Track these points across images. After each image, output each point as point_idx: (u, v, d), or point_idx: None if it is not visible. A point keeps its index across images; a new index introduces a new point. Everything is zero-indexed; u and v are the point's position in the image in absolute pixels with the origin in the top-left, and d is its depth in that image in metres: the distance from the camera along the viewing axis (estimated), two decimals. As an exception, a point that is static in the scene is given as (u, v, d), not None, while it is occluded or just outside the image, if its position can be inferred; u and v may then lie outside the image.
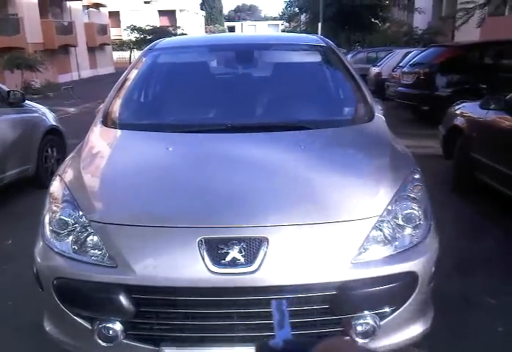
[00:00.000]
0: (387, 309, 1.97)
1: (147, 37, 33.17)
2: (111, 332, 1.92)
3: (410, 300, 2.00)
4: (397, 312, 1.99)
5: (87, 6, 32.15)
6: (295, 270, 1.89)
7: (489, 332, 2.67)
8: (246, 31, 67.87)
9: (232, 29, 70.96)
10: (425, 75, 9.38)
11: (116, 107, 3.14)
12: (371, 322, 1.90)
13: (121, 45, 37.67)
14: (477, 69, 8.97)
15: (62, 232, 2.08)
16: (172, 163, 2.50)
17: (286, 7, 33.58)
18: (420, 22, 22.39)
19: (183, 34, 32.34)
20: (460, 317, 2.79)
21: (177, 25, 40.42)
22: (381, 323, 1.93)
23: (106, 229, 2.00)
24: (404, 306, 1.99)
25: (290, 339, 0.36)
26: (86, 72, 30.06)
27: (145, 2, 47.00)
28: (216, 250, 1.87)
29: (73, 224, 2.06)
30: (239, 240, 1.88)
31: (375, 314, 1.92)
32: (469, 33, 15.74)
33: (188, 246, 1.90)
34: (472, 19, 12.60)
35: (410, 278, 1.98)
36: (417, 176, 2.29)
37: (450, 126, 5.47)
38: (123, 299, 1.86)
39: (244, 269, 1.85)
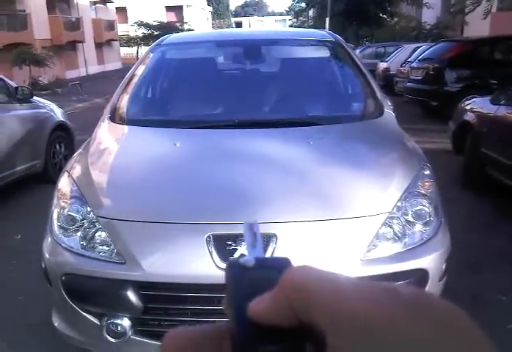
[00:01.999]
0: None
1: (154, 33, 33.13)
2: (119, 328, 1.91)
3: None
4: (408, 309, 1.97)
5: (94, 2, 32.16)
6: (304, 267, 1.88)
7: (499, 329, 2.64)
8: (254, 26, 67.72)
9: (239, 25, 70.82)
10: (434, 70, 9.30)
11: (124, 103, 3.13)
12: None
13: (128, 41, 37.64)
14: (487, 64, 8.87)
15: (70, 227, 2.08)
16: (179, 159, 2.49)
17: (294, 2, 33.40)
18: (429, 17, 22.21)
19: (189, 30, 32.31)
20: (470, 314, 2.76)
21: (184, 20, 40.39)
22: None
23: (114, 225, 1.99)
24: (414, 303, 1.97)
25: (262, 257, 0.35)
26: (94, 68, 30.12)
27: (152, -2, 46.96)
28: (224, 246, 1.86)
29: (81, 220, 2.06)
30: (247, 237, 1.86)
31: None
32: (478, 28, 15.61)
33: (196, 242, 1.89)
34: (480, 12, 12.48)
35: (420, 275, 1.96)
36: (427, 172, 2.26)
37: (460, 122, 5.42)
38: (131, 295, 1.86)
39: (253, 265, 1.83)
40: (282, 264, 0.33)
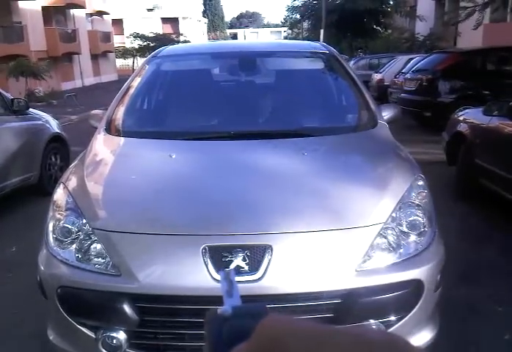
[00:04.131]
0: (393, 318, 1.95)
1: (150, 44, 33.31)
2: (114, 341, 1.90)
3: (416, 308, 1.98)
4: (403, 320, 1.97)
5: (91, 14, 32.32)
6: (300, 278, 1.88)
7: (495, 340, 2.65)
8: (249, 38, 68.18)
9: (235, 36, 71.30)
10: (427, 81, 9.38)
11: (120, 115, 3.14)
12: (376, 330, 1.88)
13: (124, 53, 37.82)
14: (479, 75, 8.97)
15: (66, 240, 2.08)
16: (175, 171, 2.50)
17: (288, 13, 33.59)
18: (422, 28, 22.45)
19: (186, 42, 32.50)
20: (466, 325, 2.76)
21: (180, 32, 40.66)
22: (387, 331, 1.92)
23: (110, 237, 1.99)
24: (410, 314, 1.98)
25: (238, 306, 0.36)
26: (90, 80, 30.19)
27: (148, 10, 47.29)
28: (219, 258, 1.87)
29: (77, 232, 2.06)
30: (243, 248, 1.87)
31: (381, 322, 1.91)
32: (471, 39, 15.79)
33: (192, 254, 1.89)
34: (472, 23, 12.60)
35: (415, 286, 1.96)
36: (420, 183, 2.28)
37: (454, 132, 5.46)
38: (127, 308, 1.85)
39: (248, 277, 1.84)
40: (259, 311, 0.35)
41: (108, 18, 36.16)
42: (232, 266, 1.85)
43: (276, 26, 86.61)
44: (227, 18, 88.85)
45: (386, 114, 3.14)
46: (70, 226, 2.08)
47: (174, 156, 2.54)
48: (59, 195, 2.29)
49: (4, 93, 5.45)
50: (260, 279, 1.83)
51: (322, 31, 22.70)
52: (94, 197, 2.22)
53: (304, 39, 28.79)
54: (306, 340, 0.29)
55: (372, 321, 1.89)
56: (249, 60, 3.63)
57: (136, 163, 2.63)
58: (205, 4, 67.86)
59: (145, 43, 34.56)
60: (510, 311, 2.92)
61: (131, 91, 3.34)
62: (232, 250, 1.87)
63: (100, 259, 1.98)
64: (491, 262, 3.62)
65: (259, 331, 0.31)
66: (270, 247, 1.87)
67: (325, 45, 3.89)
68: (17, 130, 5.26)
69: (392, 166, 2.46)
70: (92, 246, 2.01)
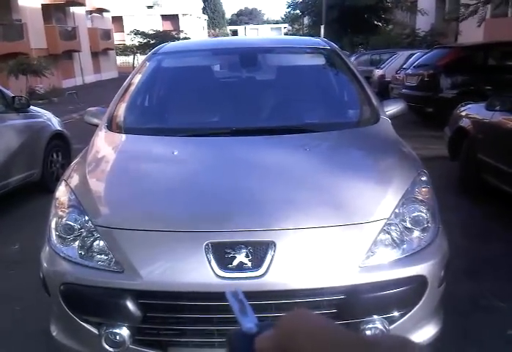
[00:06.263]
0: (396, 314, 1.95)
1: (150, 42, 33.26)
2: (118, 337, 1.91)
3: (419, 304, 1.98)
4: (407, 316, 1.97)
5: (90, 12, 32.25)
6: (303, 274, 1.88)
7: (499, 335, 2.64)
8: (249, 34, 68.03)
9: (235, 33, 71.15)
10: (429, 76, 9.35)
11: (121, 111, 3.13)
12: (380, 326, 1.88)
13: (124, 50, 37.78)
14: (481, 70, 8.93)
15: (68, 237, 2.07)
16: (177, 167, 2.49)
17: (288, 8, 33.48)
18: (423, 24, 22.38)
19: (186, 38, 32.46)
20: (469, 320, 2.76)
21: (180, 29, 40.60)
22: (390, 327, 1.91)
23: (112, 234, 1.99)
24: (413, 310, 1.97)
25: (262, 323, 0.37)
26: (90, 77, 30.15)
27: (148, 7, 47.17)
28: (222, 254, 1.86)
29: (79, 229, 2.06)
30: (246, 245, 1.87)
31: (384, 318, 1.90)
32: (472, 34, 15.74)
33: (194, 250, 1.89)
34: (474, 18, 12.54)
35: (419, 282, 1.96)
36: (424, 178, 2.27)
37: (456, 128, 5.45)
38: (130, 304, 1.85)
39: (251, 273, 1.84)
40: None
41: (108, 16, 36.06)
42: (235, 263, 1.85)
43: (277, 22, 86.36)
44: (227, 15, 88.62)
45: (392, 108, 3.14)
46: (72, 224, 2.08)
47: (176, 153, 2.54)
48: (62, 192, 2.28)
49: (5, 91, 5.45)
50: (263, 275, 1.83)
51: (322, 27, 22.64)
52: (96, 194, 2.22)
53: (304, 35, 28.70)
54: (320, 341, 0.35)
55: (375, 317, 1.89)
56: (250, 56, 3.62)
57: (138, 160, 2.63)
58: (204, 1, 67.67)
59: (145, 40, 34.52)
60: (514, 306, 2.92)
61: (132, 88, 3.33)
62: (235, 246, 1.87)
63: (102, 256, 1.98)
64: (494, 257, 3.61)
65: (280, 327, 0.36)
66: (273, 243, 1.87)
67: (326, 40, 3.87)
68: (18, 128, 5.25)
69: (394, 161, 2.45)
70: (94, 243, 2.01)
